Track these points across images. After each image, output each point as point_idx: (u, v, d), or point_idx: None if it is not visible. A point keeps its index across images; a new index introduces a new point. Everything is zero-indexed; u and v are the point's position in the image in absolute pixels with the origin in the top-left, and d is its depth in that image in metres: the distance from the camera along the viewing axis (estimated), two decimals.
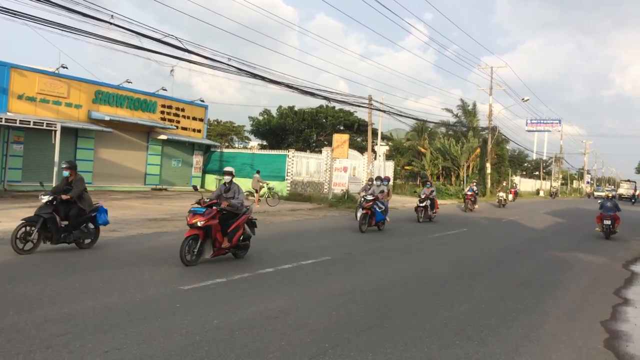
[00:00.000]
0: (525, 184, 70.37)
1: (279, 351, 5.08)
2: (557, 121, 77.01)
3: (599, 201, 21.97)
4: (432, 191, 21.45)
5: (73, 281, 7.40)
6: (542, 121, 76.07)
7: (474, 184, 29.68)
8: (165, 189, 28.66)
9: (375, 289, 8.06)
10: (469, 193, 28.34)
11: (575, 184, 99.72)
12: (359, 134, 48.26)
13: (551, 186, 75.06)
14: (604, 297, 8.77)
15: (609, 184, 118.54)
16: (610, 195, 21.77)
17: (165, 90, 28.96)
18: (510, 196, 40.08)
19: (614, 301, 8.47)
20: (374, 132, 36.19)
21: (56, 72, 23.73)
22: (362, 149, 39.94)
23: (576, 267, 11.65)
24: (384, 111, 33.02)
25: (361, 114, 49.36)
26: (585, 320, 7.09)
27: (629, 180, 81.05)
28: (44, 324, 5.46)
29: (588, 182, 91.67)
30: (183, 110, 30.11)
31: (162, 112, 28.71)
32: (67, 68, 24.21)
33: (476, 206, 28.76)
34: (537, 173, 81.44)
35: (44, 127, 20.49)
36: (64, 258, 9.08)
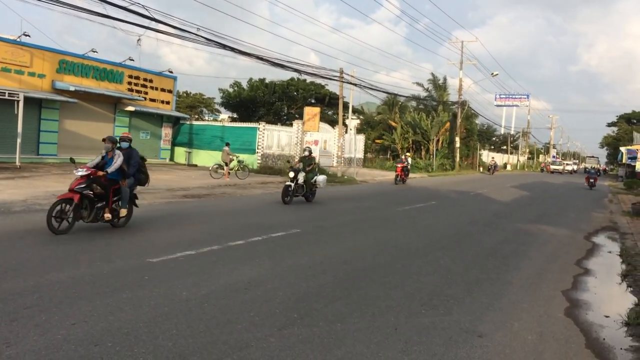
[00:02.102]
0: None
1: (248, 322, 5.11)
2: (525, 96, 78.14)
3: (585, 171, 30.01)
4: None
5: (37, 254, 7.27)
6: (510, 96, 77.08)
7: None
8: None
9: (344, 261, 8.14)
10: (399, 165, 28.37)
11: (541, 158, 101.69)
12: (330, 107, 48.20)
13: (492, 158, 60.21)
14: (565, 267, 9.05)
15: (574, 158, 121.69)
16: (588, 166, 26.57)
17: (132, 60, 28.26)
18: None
19: (575, 271, 8.74)
20: (345, 106, 36.13)
21: (18, 40, 22.90)
22: (333, 123, 39.95)
23: (540, 238, 11.96)
24: (355, 84, 32.95)
25: (332, 87, 49.24)
26: (547, 290, 7.32)
27: (592, 156, 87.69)
28: (9, 296, 5.37)
29: (554, 157, 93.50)
30: (151, 81, 29.49)
31: (130, 83, 28.06)
32: (29, 36, 23.40)
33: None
34: (504, 147, 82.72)
35: (6, 97, 19.86)
36: (25, 231, 8.90)
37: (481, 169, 55.57)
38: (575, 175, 66.75)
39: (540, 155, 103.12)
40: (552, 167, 72.95)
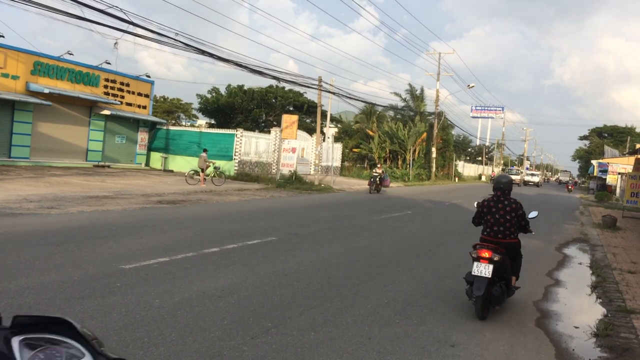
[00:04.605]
0: (468, 169, 72.35)
1: (221, 330, 5.07)
2: (500, 108, 79.37)
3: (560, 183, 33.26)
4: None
5: (6, 258, 7.11)
6: (486, 108, 78.22)
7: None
8: (108, 166, 27.85)
9: (319, 269, 8.14)
10: None
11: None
12: (309, 115, 48.21)
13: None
14: (537, 278, 9.18)
15: (547, 170, 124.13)
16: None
17: (109, 63, 27.99)
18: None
19: (547, 282, 8.88)
20: (323, 114, 36.18)
21: None
22: (311, 131, 39.97)
23: None
24: (333, 93, 33.05)
25: (311, 95, 49.24)
26: (518, 300, 7.40)
27: (565, 170, 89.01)
28: None
29: (527, 168, 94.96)
30: (128, 85, 29.19)
31: (106, 87, 27.74)
32: (3, 37, 23.11)
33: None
34: (480, 158, 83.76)
35: None
36: None
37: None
38: (542, 187, 58.64)
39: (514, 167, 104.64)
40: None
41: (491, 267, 6.15)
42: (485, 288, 6.10)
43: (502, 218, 6.54)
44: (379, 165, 31.39)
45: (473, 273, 6.28)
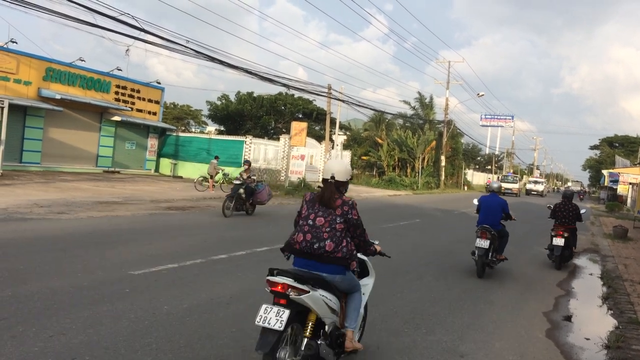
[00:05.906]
0: (477, 178, 72.08)
1: (229, 338, 5.07)
2: (510, 117, 78.96)
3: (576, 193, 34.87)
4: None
5: (16, 263, 7.15)
6: (495, 116, 77.82)
7: None
8: (118, 172, 27.99)
9: None
10: None
11: (525, 179, 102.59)
12: (318, 122, 48.30)
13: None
14: (547, 288, 9.10)
15: (557, 179, 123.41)
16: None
17: (120, 70, 28.19)
18: None
19: (557, 292, 8.80)
20: (333, 122, 36.24)
21: (5, 46, 22.75)
22: (320, 138, 40.00)
23: (522, 258, 12.03)
24: (343, 101, 33.14)
25: (320, 102, 49.43)
26: (528, 310, 7.35)
27: (577, 180, 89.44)
28: None
29: (537, 177, 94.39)
30: (138, 91, 29.39)
31: (117, 93, 27.94)
32: (16, 43, 23.31)
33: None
34: (489, 167, 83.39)
35: None
36: (5, 240, 8.76)
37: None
38: (549, 197, 50.84)
39: (524, 176, 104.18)
40: (504, 185, 46.59)
41: (563, 239, 10.80)
42: (560, 251, 10.79)
43: (568, 214, 11.25)
44: (245, 167, 17.06)
45: (553, 244, 10.94)
